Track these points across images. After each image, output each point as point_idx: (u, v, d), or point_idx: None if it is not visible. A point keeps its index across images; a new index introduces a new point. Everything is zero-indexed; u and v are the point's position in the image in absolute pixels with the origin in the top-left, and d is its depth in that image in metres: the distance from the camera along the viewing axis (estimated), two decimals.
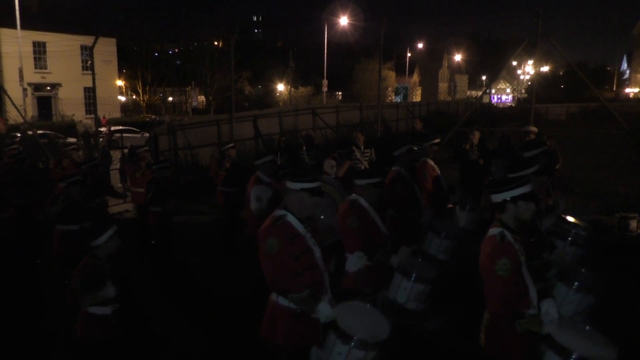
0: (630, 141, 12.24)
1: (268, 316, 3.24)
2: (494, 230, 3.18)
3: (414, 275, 3.97)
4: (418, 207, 5.39)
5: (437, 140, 6.24)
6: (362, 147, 8.19)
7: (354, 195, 4.17)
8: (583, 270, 3.75)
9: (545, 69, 47.82)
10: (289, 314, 3.14)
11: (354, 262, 4.00)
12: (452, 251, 4.90)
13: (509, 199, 3.18)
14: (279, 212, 3.25)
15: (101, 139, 15.72)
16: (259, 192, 5.24)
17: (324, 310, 3.11)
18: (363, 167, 7.74)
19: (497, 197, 3.23)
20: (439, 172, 6.00)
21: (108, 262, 3.80)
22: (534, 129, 8.26)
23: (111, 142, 20.66)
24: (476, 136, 8.35)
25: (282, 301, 3.15)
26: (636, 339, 4.26)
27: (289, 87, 50.10)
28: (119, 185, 13.00)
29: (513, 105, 49.70)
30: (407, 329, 4.28)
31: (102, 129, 19.56)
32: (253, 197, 5.24)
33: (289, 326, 3.15)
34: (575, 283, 3.61)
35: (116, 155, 15.17)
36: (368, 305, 3.45)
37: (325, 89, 36.71)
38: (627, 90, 59.00)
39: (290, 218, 3.22)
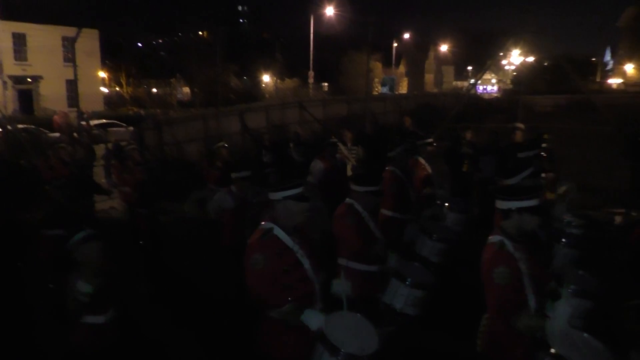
0: (615, 134, 12.34)
1: (261, 329, 3.19)
2: (494, 238, 3.18)
3: (409, 280, 3.93)
4: (411, 207, 5.39)
5: (431, 140, 6.25)
6: (350, 145, 8.16)
7: (349, 200, 4.13)
8: (579, 273, 3.75)
9: (530, 59, 48.12)
10: (282, 327, 3.09)
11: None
12: (443, 254, 4.88)
13: (515, 208, 3.16)
14: (266, 225, 3.18)
15: (84, 133, 15.46)
16: (221, 200, 5.30)
17: (311, 316, 3.05)
18: (350, 165, 7.72)
19: (504, 205, 3.21)
20: (430, 170, 6.00)
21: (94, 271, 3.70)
22: (521, 125, 8.30)
23: (94, 137, 20.36)
24: (469, 134, 8.39)
25: (274, 314, 3.09)
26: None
27: (275, 79, 49.78)
28: (103, 180, 12.81)
29: (499, 96, 49.93)
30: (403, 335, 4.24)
31: (83, 122, 19.28)
32: (215, 204, 5.24)
33: (278, 340, 3.10)
34: (571, 287, 3.59)
35: (100, 150, 14.94)
36: (358, 315, 3.40)
37: (311, 80, 36.50)
38: (610, 81, 59.65)
39: (277, 231, 3.15)
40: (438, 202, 5.85)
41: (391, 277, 3.97)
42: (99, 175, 13.08)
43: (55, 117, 25.13)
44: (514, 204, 3.18)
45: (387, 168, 5.50)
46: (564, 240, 4.53)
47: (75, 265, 3.68)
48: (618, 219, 8.28)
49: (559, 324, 2.96)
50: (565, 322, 3.00)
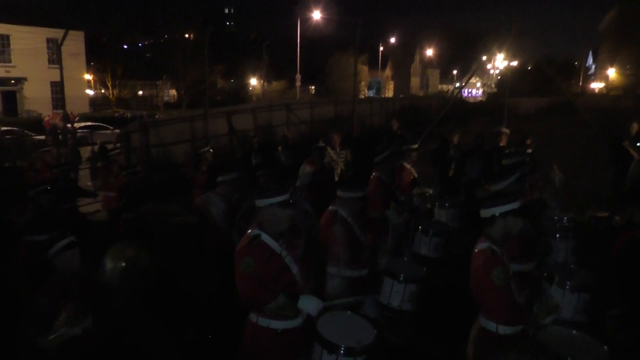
0: (598, 137, 12.52)
1: (248, 337, 3.19)
2: (482, 245, 3.22)
3: (402, 276, 3.96)
4: (398, 210, 5.42)
5: (416, 146, 6.29)
6: (338, 149, 8.19)
7: (333, 207, 4.14)
8: (573, 267, 3.83)
9: (514, 63, 48.65)
10: (271, 334, 3.10)
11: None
12: (441, 248, 4.95)
13: (498, 214, 3.22)
14: (253, 232, 3.20)
15: (69, 136, 15.32)
16: (212, 202, 5.26)
17: (307, 301, 3.07)
18: (339, 169, 7.75)
19: (487, 212, 3.26)
20: (416, 175, 6.05)
21: (73, 280, 3.68)
22: (506, 130, 8.39)
23: (79, 139, 20.16)
24: (456, 137, 8.47)
25: (263, 322, 3.10)
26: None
27: (263, 81, 49.71)
28: (89, 183, 12.71)
29: (483, 100, 50.45)
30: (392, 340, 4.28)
31: (71, 124, 19.10)
32: (205, 204, 5.22)
33: (271, 347, 3.11)
34: (569, 283, 3.66)
35: (85, 152, 14.81)
36: (348, 312, 3.44)
37: (298, 83, 36.53)
38: (593, 85, 60.47)
39: (265, 237, 3.17)
40: (428, 205, 5.93)
41: (383, 277, 4.00)
42: (85, 178, 12.97)
43: (47, 119, 24.89)
44: (496, 210, 3.24)
45: (372, 174, 5.53)
46: (557, 235, 4.60)
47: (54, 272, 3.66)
48: (602, 223, 8.42)
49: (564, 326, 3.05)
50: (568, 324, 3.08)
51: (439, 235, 4.98)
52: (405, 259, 4.40)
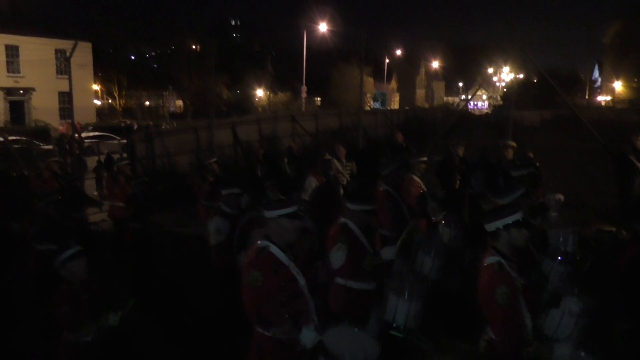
0: (603, 150, 12.47)
1: (255, 346, 3.21)
2: (491, 259, 3.20)
3: (407, 293, 3.95)
4: (406, 225, 5.42)
5: (425, 159, 6.30)
6: (344, 160, 8.22)
7: (343, 219, 4.15)
8: (575, 291, 3.79)
9: (520, 76, 48.75)
10: (276, 343, 3.11)
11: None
12: (441, 269, 4.93)
13: (501, 227, 3.22)
14: (261, 243, 3.23)
15: (76, 145, 15.45)
16: (217, 225, 5.23)
17: (307, 335, 3.08)
18: (345, 181, 7.77)
19: (491, 227, 3.27)
20: (424, 188, 6.05)
21: (82, 289, 3.71)
22: (513, 143, 8.38)
23: (85, 149, 20.31)
24: (461, 150, 8.48)
25: (267, 332, 3.12)
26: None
27: (268, 92, 49.95)
28: (95, 193, 12.78)
29: (489, 112, 50.46)
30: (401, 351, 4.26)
31: (78, 134, 19.25)
32: (212, 230, 5.24)
33: (276, 356, 3.12)
34: (569, 306, 3.64)
35: (91, 162, 14.92)
36: (355, 329, 3.44)
37: (304, 95, 36.69)
38: (599, 98, 60.35)
39: (273, 248, 3.20)
40: (433, 218, 5.89)
41: (388, 294, 3.99)
42: (91, 187, 13.06)
43: (61, 128, 25.11)
44: (499, 223, 3.25)
45: (380, 188, 5.53)
46: (560, 258, 4.56)
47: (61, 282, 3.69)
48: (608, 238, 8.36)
49: (566, 349, 3.04)
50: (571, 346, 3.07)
51: (440, 257, 4.95)
52: (411, 277, 4.38)
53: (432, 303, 4.19)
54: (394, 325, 3.94)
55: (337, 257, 3.97)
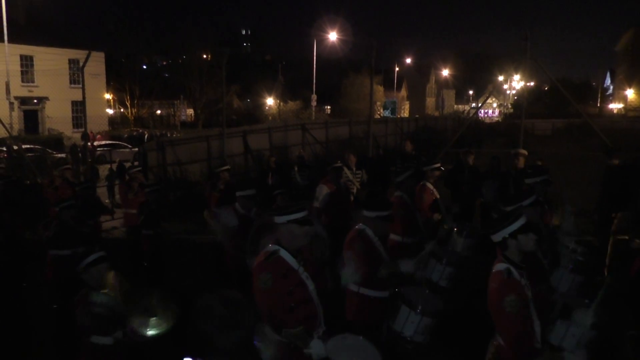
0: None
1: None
2: (500, 266, 3.20)
3: (420, 308, 3.94)
4: (420, 232, 5.44)
5: (438, 165, 6.32)
6: (354, 169, 8.25)
7: (361, 225, 4.17)
8: (585, 302, 3.77)
9: (530, 84, 48.64)
10: (284, 347, 3.13)
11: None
12: (452, 278, 4.91)
13: (507, 235, 3.22)
14: (271, 248, 3.26)
15: (88, 153, 15.63)
16: (227, 218, 5.30)
17: (317, 347, 3.10)
18: (355, 189, 7.79)
19: (497, 237, 3.26)
20: (437, 195, 6.06)
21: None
22: (524, 152, 8.35)
23: (97, 157, 20.52)
24: (471, 158, 8.47)
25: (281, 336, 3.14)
26: None
27: (278, 101, 50.20)
28: (107, 201, 12.90)
29: (500, 120, 50.30)
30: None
31: (91, 143, 19.51)
32: (221, 221, 5.28)
33: (284, 357, 3.14)
34: (578, 318, 3.61)
35: (103, 170, 15.06)
36: (360, 338, 3.44)
37: (314, 103, 36.84)
38: (611, 106, 60.00)
39: (283, 253, 3.23)
40: (445, 226, 5.89)
41: (401, 304, 3.98)
42: (102, 195, 13.19)
43: (99, 136, 25.51)
44: (505, 232, 3.24)
45: (395, 194, 5.55)
46: (571, 266, 4.53)
47: (84, 287, 3.75)
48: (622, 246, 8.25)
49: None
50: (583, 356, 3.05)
51: (452, 265, 4.93)
52: (427, 291, 4.36)
53: (443, 322, 4.16)
54: (402, 335, 3.92)
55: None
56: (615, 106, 58.72)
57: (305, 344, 3.09)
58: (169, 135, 26.65)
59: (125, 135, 32.02)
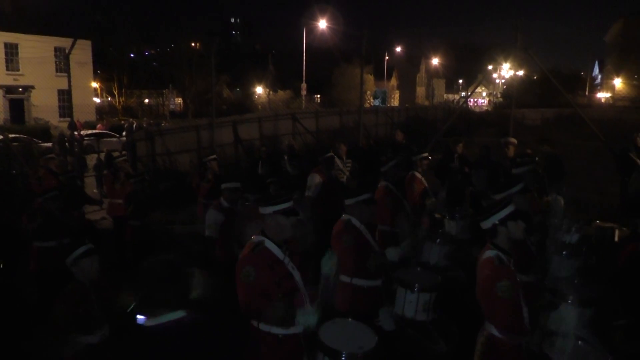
0: (605, 149, 12.48)
1: (251, 342, 3.20)
2: (489, 253, 3.21)
3: (416, 285, 3.92)
4: (407, 221, 5.42)
5: (427, 155, 6.30)
6: (344, 158, 8.22)
7: (346, 216, 4.14)
8: (577, 282, 3.79)
9: (520, 73, 48.78)
10: (272, 339, 3.11)
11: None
12: (451, 256, 4.90)
13: (497, 222, 3.22)
14: (257, 239, 3.22)
15: (75, 143, 15.43)
16: (212, 218, 5.31)
17: (304, 316, 3.07)
18: (345, 178, 7.77)
19: (486, 224, 3.27)
20: (426, 184, 6.06)
21: (91, 288, 3.69)
22: (514, 140, 8.37)
23: (85, 147, 20.27)
24: (460, 147, 8.47)
25: (264, 327, 3.11)
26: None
27: (268, 90, 49.91)
28: (95, 191, 12.76)
29: (489, 109, 50.44)
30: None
31: (76, 132, 19.23)
32: (207, 222, 5.26)
33: (272, 351, 3.11)
34: (573, 298, 3.63)
35: (91, 160, 14.89)
36: (349, 319, 3.43)
37: (304, 92, 36.65)
38: (599, 95, 60.46)
39: (269, 244, 3.19)
40: (436, 214, 5.89)
41: (397, 287, 3.96)
42: (91, 185, 13.03)
43: (100, 125, 25.14)
44: (494, 219, 3.25)
45: (380, 183, 5.53)
46: (564, 252, 4.54)
47: (70, 281, 3.67)
48: (609, 233, 8.34)
49: (567, 341, 3.04)
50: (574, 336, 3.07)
51: (447, 243, 4.94)
52: (418, 268, 4.35)
53: (443, 298, 4.13)
54: (405, 317, 3.90)
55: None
56: (603, 95, 59.16)
57: (290, 318, 3.05)
58: (159, 124, 26.41)
59: (123, 122, 31.68)
